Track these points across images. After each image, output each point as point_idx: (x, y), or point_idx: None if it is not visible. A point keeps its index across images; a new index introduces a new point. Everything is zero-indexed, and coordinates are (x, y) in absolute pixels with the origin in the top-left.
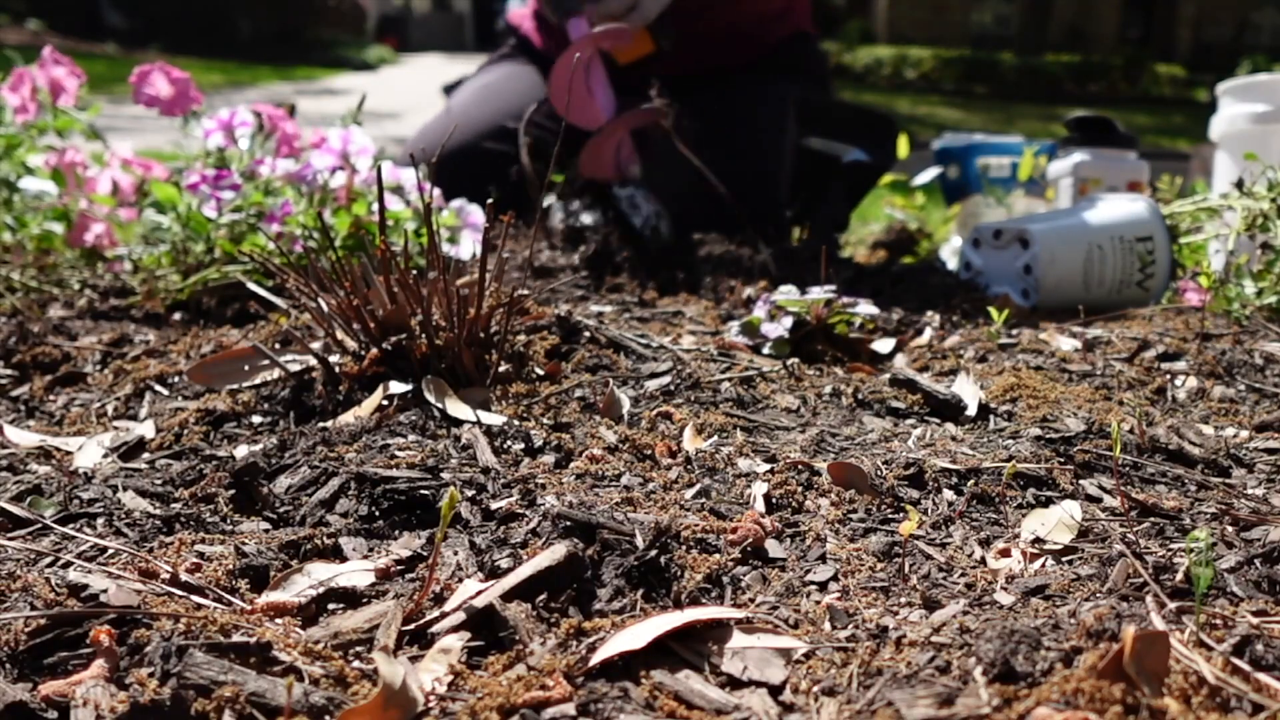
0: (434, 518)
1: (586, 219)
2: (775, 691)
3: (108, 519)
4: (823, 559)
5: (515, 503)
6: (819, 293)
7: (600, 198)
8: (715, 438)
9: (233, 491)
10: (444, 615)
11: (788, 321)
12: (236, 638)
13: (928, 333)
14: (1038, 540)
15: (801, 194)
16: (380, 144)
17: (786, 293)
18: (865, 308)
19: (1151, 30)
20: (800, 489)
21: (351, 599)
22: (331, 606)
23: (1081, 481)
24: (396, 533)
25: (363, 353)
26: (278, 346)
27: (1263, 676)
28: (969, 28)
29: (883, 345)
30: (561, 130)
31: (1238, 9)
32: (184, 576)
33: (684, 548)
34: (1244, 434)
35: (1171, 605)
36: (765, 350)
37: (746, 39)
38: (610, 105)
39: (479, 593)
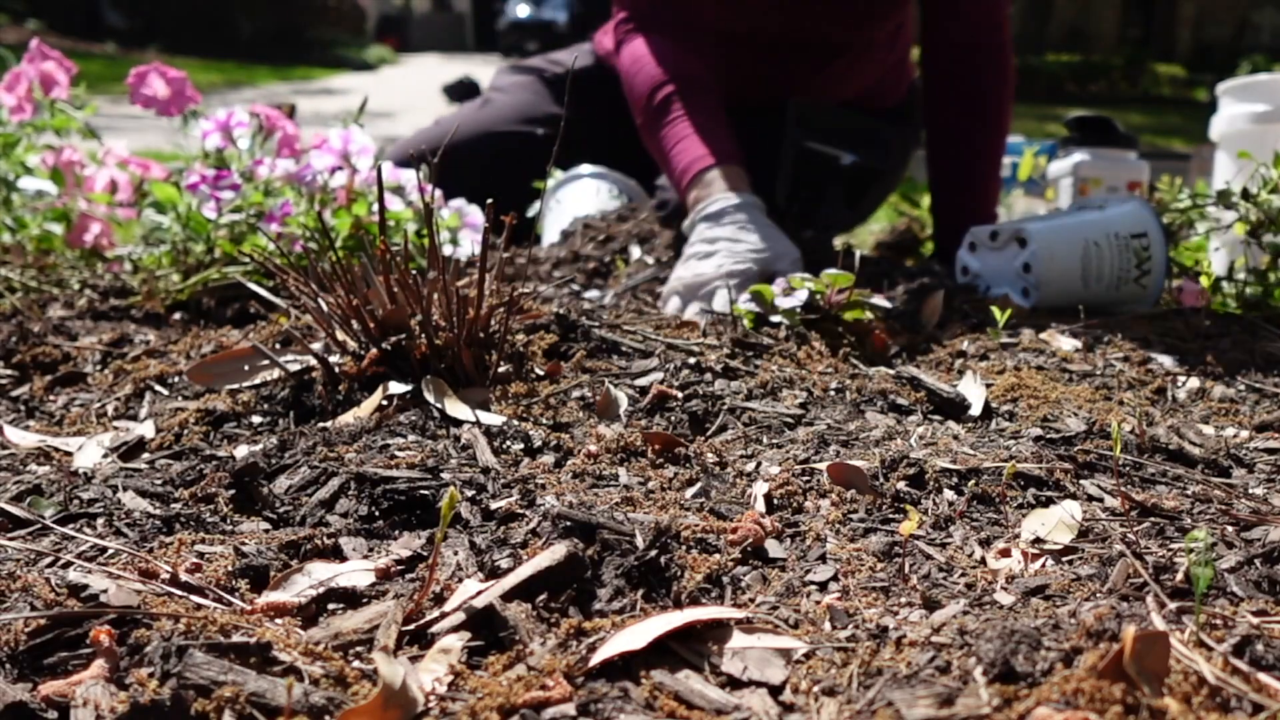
0: (434, 518)
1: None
2: (775, 691)
3: (108, 519)
4: (823, 559)
5: (515, 503)
6: (836, 271)
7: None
8: (716, 437)
9: (233, 491)
10: (444, 615)
11: (802, 294)
12: (236, 638)
13: (929, 331)
14: (1038, 540)
15: (800, 195)
16: (379, 144)
17: (802, 276)
18: (880, 300)
19: (1151, 30)
20: (801, 489)
21: (351, 599)
22: (331, 606)
23: (1082, 481)
24: (396, 533)
25: (362, 353)
26: (278, 346)
27: (1263, 676)
28: None
29: (889, 341)
30: (561, 130)
31: (1238, 9)
32: (184, 576)
33: (684, 548)
34: (1244, 434)
35: (1171, 605)
36: (774, 319)
37: (870, 103)
38: None
39: (479, 593)
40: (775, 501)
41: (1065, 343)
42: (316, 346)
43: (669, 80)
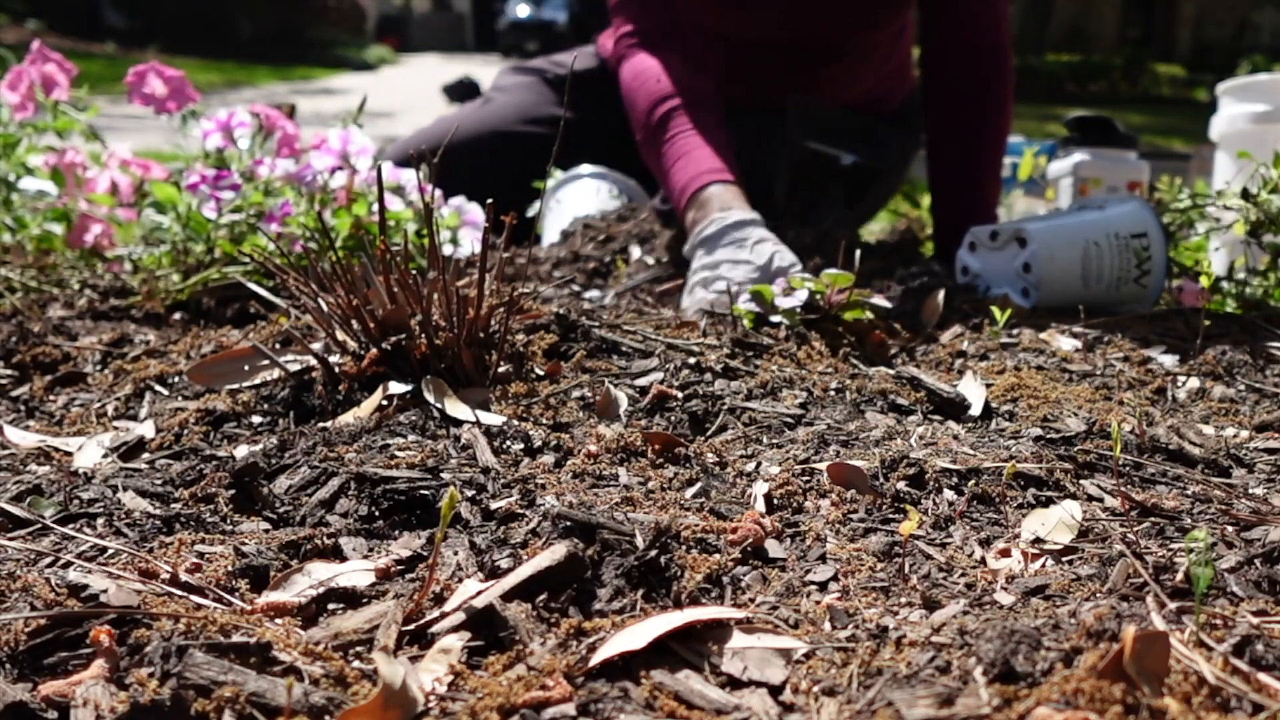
0: (434, 518)
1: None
2: (775, 691)
3: (108, 519)
4: (823, 559)
5: (515, 503)
6: (837, 271)
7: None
8: (716, 437)
9: (233, 491)
10: (444, 615)
11: (802, 294)
12: (236, 638)
13: (929, 331)
14: (1038, 540)
15: (800, 195)
16: (378, 144)
17: (802, 276)
18: (880, 300)
19: (1151, 30)
20: (801, 489)
21: (351, 599)
22: (331, 606)
23: (1081, 481)
24: (396, 533)
25: (362, 353)
26: (278, 346)
27: (1263, 676)
28: None
29: (888, 341)
30: (560, 129)
31: (1238, 9)
32: (184, 576)
33: (684, 548)
34: (1244, 434)
35: (1171, 605)
36: (773, 319)
37: (872, 106)
38: None
39: (479, 593)
40: (775, 501)
41: (1065, 343)
42: (316, 346)
43: (668, 96)
